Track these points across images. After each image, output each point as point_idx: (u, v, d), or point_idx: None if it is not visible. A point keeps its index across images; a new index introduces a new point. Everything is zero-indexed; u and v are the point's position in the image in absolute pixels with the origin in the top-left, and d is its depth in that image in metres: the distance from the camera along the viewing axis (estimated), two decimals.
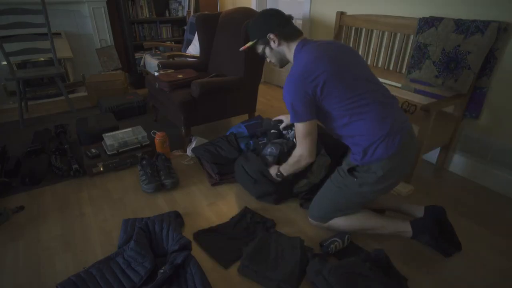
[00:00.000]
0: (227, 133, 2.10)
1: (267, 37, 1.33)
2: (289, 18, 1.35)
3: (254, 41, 1.38)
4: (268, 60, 1.45)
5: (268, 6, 3.55)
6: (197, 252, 1.39)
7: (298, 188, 1.66)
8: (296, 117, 1.27)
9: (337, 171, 1.41)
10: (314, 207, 1.48)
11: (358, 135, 1.25)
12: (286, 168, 1.50)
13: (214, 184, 1.86)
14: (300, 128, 1.29)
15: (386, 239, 1.45)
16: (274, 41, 1.33)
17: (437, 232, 1.29)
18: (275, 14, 1.33)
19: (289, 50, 1.35)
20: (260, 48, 1.40)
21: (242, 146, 1.97)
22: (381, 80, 2.34)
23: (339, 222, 1.42)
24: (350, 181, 1.32)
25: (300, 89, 1.22)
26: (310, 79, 1.20)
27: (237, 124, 2.18)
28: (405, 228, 1.35)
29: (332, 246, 1.35)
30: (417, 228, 1.33)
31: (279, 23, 1.32)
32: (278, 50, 1.36)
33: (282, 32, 1.32)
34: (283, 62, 1.43)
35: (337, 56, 1.24)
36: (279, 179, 1.56)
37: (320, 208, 1.45)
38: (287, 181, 1.60)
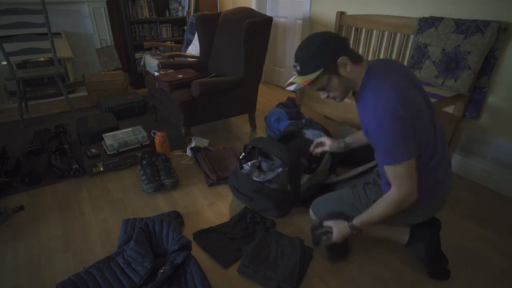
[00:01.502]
0: (269, 116, 2.44)
1: (338, 62, 1.04)
2: (346, 38, 1.16)
3: (320, 71, 1.05)
4: (325, 95, 1.14)
5: (268, 6, 3.55)
6: (197, 252, 1.39)
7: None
8: (396, 156, 1.02)
9: (364, 190, 1.29)
10: (321, 203, 1.41)
11: (419, 174, 1.08)
12: (373, 215, 1.15)
13: (211, 185, 1.86)
14: (395, 169, 1.04)
15: (385, 241, 1.46)
16: (345, 67, 1.06)
17: (434, 246, 1.27)
18: (336, 35, 1.06)
19: (359, 76, 1.08)
20: (324, 80, 1.08)
21: (282, 127, 2.18)
22: None
23: None
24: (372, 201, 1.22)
25: (401, 121, 0.97)
26: (406, 106, 0.98)
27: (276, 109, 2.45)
28: (402, 234, 1.32)
29: (324, 237, 1.24)
30: (415, 236, 1.29)
31: (344, 44, 1.05)
32: (348, 78, 1.08)
33: (349, 53, 1.06)
34: (347, 92, 1.14)
35: (408, 79, 1.07)
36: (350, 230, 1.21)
37: (327, 207, 1.38)
38: (287, 193, 1.55)
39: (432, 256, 1.27)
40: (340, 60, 1.04)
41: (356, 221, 1.18)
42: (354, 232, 1.19)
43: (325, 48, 1.04)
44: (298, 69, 1.09)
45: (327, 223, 1.25)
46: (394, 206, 1.10)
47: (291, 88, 1.11)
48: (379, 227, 1.33)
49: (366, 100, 1.06)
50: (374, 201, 1.17)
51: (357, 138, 1.48)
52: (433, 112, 1.10)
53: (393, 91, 1.01)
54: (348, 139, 1.49)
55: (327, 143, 1.53)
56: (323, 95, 1.14)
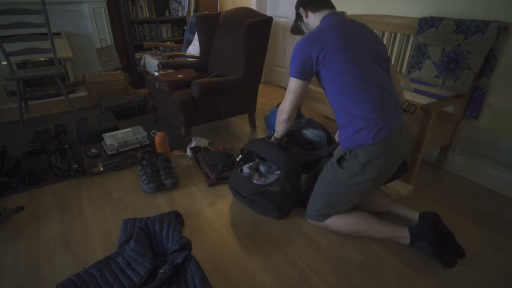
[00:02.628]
0: (269, 116, 2.43)
1: (299, 12, 1.42)
2: None
3: (295, 19, 1.48)
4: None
5: (268, 6, 3.55)
6: (197, 252, 1.39)
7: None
8: (290, 71, 1.35)
9: (326, 166, 1.43)
10: (309, 206, 1.50)
11: (350, 113, 1.26)
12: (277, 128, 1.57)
13: (211, 185, 1.86)
14: (289, 83, 1.38)
15: (385, 241, 1.45)
16: (303, 15, 1.41)
17: (435, 239, 1.30)
18: None
19: (316, 20, 1.39)
20: (298, 25, 1.48)
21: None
22: None
23: (336, 222, 1.44)
24: (338, 173, 1.34)
25: (305, 49, 1.27)
26: (317, 42, 1.25)
27: (276, 109, 2.44)
28: (403, 233, 1.37)
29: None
30: (414, 235, 1.35)
31: (308, 1, 1.39)
32: (307, 22, 1.42)
33: (309, 5, 1.38)
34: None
35: (353, 30, 1.28)
36: (274, 141, 1.65)
37: (314, 206, 1.46)
38: (288, 194, 1.55)
39: (437, 248, 1.30)
40: (300, 10, 1.42)
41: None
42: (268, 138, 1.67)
43: (296, 1, 1.45)
44: None
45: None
46: (277, 115, 1.48)
47: (291, 31, 1.57)
48: (380, 227, 1.39)
49: None
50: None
51: None
52: (382, 58, 1.31)
53: (317, 30, 1.30)
54: None
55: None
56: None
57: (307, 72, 1.31)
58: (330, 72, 1.27)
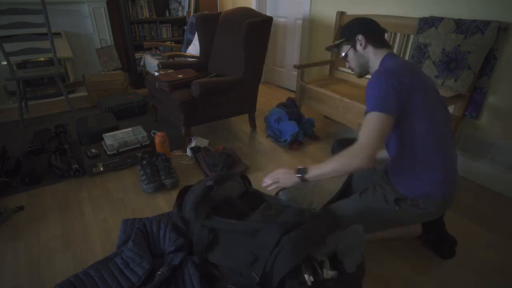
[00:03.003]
0: (269, 116, 2.42)
1: (356, 38, 1.24)
2: (384, 30, 1.28)
3: (341, 40, 1.29)
4: (348, 64, 1.34)
5: (268, 6, 3.55)
6: None
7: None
8: (375, 105, 1.05)
9: (374, 194, 1.23)
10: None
11: (431, 166, 1.12)
12: (326, 166, 1.11)
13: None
14: (369, 118, 1.05)
15: (384, 241, 1.46)
16: (361, 44, 1.24)
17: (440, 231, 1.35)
18: (370, 22, 1.26)
19: (374, 56, 1.23)
20: (345, 49, 1.29)
21: (282, 127, 2.11)
22: None
23: None
24: (390, 208, 1.19)
25: (388, 81, 1.06)
26: (401, 78, 1.06)
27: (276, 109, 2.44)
28: (416, 226, 1.40)
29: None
30: (426, 226, 1.39)
31: (371, 29, 1.24)
32: (362, 54, 1.25)
33: (372, 37, 1.23)
34: (363, 68, 1.28)
35: (423, 74, 1.17)
36: (297, 178, 1.17)
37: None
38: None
39: (442, 240, 1.38)
40: (357, 37, 1.23)
41: (311, 170, 1.15)
42: (302, 178, 1.15)
43: (352, 25, 1.28)
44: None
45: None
46: (348, 157, 1.05)
47: (326, 47, 1.42)
48: (389, 232, 1.38)
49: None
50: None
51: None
52: (445, 114, 1.17)
53: (393, 67, 1.12)
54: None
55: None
56: (346, 63, 1.35)
57: (397, 105, 1.07)
58: (415, 118, 1.10)
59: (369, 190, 1.26)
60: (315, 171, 1.13)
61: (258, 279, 1.00)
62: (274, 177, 1.24)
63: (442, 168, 1.12)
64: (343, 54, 1.31)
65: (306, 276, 0.95)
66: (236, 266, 1.09)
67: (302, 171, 1.16)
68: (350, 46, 1.27)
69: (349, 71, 2.57)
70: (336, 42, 1.31)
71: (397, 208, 1.18)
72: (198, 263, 1.19)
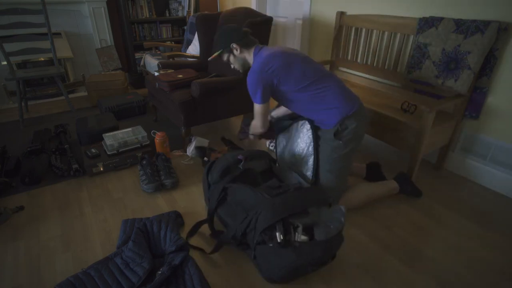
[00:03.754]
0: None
1: (231, 46, 1.61)
2: (246, 31, 1.64)
3: (220, 51, 1.64)
4: (232, 66, 1.73)
5: (268, 6, 3.55)
6: (196, 252, 1.39)
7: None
8: (255, 99, 1.56)
9: (325, 146, 1.55)
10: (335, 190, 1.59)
11: (331, 103, 1.50)
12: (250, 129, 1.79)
13: None
14: (257, 108, 1.60)
15: (384, 229, 1.46)
16: (236, 50, 1.62)
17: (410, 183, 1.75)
18: (235, 30, 1.62)
19: (249, 55, 1.63)
20: (225, 56, 1.67)
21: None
22: (381, 80, 2.35)
23: (349, 197, 1.62)
24: (337, 145, 1.52)
25: (260, 79, 1.50)
26: (269, 70, 1.48)
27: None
28: (394, 185, 1.73)
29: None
30: (401, 183, 1.74)
31: (239, 36, 1.60)
32: (240, 56, 1.64)
33: (241, 41, 1.61)
34: (244, 66, 1.68)
35: (290, 53, 1.55)
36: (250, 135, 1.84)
37: (339, 188, 1.58)
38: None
39: (410, 186, 1.75)
40: (232, 45, 1.61)
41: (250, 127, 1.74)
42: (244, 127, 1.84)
43: (224, 37, 1.63)
44: (213, 47, 1.68)
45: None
46: (252, 126, 1.73)
47: (209, 59, 1.72)
48: (378, 188, 1.70)
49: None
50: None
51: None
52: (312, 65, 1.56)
53: (265, 57, 1.51)
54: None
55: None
56: (231, 65, 1.73)
57: (268, 95, 1.61)
58: (290, 86, 1.56)
59: (319, 151, 1.57)
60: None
61: (240, 233, 1.28)
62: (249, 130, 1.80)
63: (336, 94, 1.50)
64: (225, 60, 1.69)
65: (277, 233, 1.17)
66: (232, 224, 1.34)
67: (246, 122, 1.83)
68: (229, 53, 1.65)
69: (350, 70, 2.57)
70: (216, 53, 1.67)
71: (340, 142, 1.51)
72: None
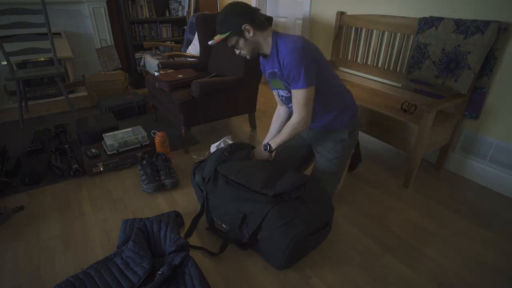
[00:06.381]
0: None
1: (242, 28, 1.33)
2: (257, 9, 1.39)
3: (227, 33, 1.35)
4: (237, 51, 1.45)
5: (268, 6, 3.55)
6: (196, 252, 1.39)
7: None
8: (306, 82, 1.32)
9: (339, 145, 1.56)
10: (331, 188, 1.61)
11: (347, 101, 1.54)
12: (281, 138, 1.48)
13: None
14: (303, 94, 1.35)
15: (384, 229, 1.46)
16: (249, 32, 1.35)
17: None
18: (247, 7, 1.35)
19: (264, 39, 1.38)
20: (233, 40, 1.38)
21: None
22: (381, 80, 2.35)
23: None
24: (351, 143, 1.58)
25: (310, 55, 1.30)
26: (312, 47, 1.34)
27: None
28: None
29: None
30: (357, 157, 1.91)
31: (253, 15, 1.34)
32: (252, 40, 1.37)
33: (256, 22, 1.34)
34: (255, 51, 1.43)
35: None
36: (267, 153, 1.55)
37: (338, 181, 1.64)
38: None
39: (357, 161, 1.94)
40: (244, 26, 1.33)
41: (270, 141, 1.53)
42: (270, 151, 1.54)
43: (233, 16, 1.34)
44: (218, 29, 1.38)
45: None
46: (292, 128, 1.44)
47: (210, 42, 1.42)
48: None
49: (278, 49, 1.37)
50: None
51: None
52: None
53: (298, 38, 1.33)
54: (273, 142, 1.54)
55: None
56: (236, 51, 1.46)
57: (314, 74, 1.39)
58: (322, 77, 1.42)
59: (332, 149, 1.58)
60: (276, 142, 1.50)
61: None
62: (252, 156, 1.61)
63: (349, 93, 1.56)
64: (231, 44, 1.39)
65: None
66: (219, 204, 1.41)
67: (268, 147, 1.53)
68: (238, 36, 1.35)
69: (350, 70, 2.57)
70: (222, 36, 1.35)
71: (349, 139, 1.57)
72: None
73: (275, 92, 1.63)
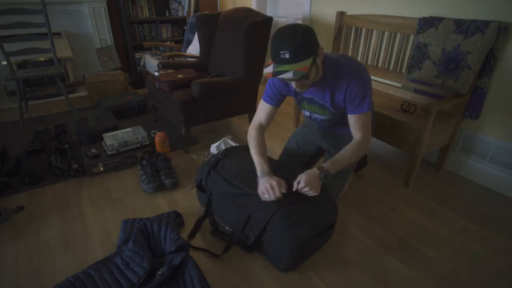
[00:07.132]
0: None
1: (318, 52, 1.12)
2: None
3: (311, 58, 1.10)
4: (298, 84, 1.18)
5: (268, 6, 3.55)
6: (196, 252, 1.39)
7: None
8: (370, 105, 1.28)
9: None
10: (337, 188, 1.56)
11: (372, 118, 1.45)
12: (346, 161, 1.29)
13: None
14: (368, 117, 1.30)
15: (384, 229, 1.46)
16: (319, 56, 1.15)
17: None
18: (311, 28, 1.12)
19: (320, 62, 1.20)
20: (313, 69, 1.14)
21: None
22: (381, 80, 2.35)
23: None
24: None
25: (368, 77, 1.25)
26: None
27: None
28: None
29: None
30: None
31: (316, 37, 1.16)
32: (319, 66, 1.18)
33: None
34: (317, 77, 1.23)
35: None
36: (326, 181, 1.25)
37: (342, 187, 1.61)
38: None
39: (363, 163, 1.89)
40: (319, 50, 1.13)
41: (327, 166, 1.26)
42: (324, 177, 1.24)
43: (312, 38, 1.10)
44: (287, 56, 1.07)
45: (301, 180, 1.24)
46: (357, 148, 1.31)
47: (285, 76, 1.07)
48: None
49: (333, 73, 1.22)
50: None
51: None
52: None
53: (351, 59, 1.25)
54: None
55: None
56: (296, 84, 1.17)
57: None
58: None
59: None
60: (335, 169, 1.27)
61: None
62: (303, 187, 1.23)
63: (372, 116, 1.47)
64: (311, 74, 1.14)
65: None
66: (222, 207, 1.42)
67: (327, 176, 1.24)
68: (313, 64, 1.11)
69: None
70: (305, 62, 1.07)
71: None
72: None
73: (303, 112, 1.46)
